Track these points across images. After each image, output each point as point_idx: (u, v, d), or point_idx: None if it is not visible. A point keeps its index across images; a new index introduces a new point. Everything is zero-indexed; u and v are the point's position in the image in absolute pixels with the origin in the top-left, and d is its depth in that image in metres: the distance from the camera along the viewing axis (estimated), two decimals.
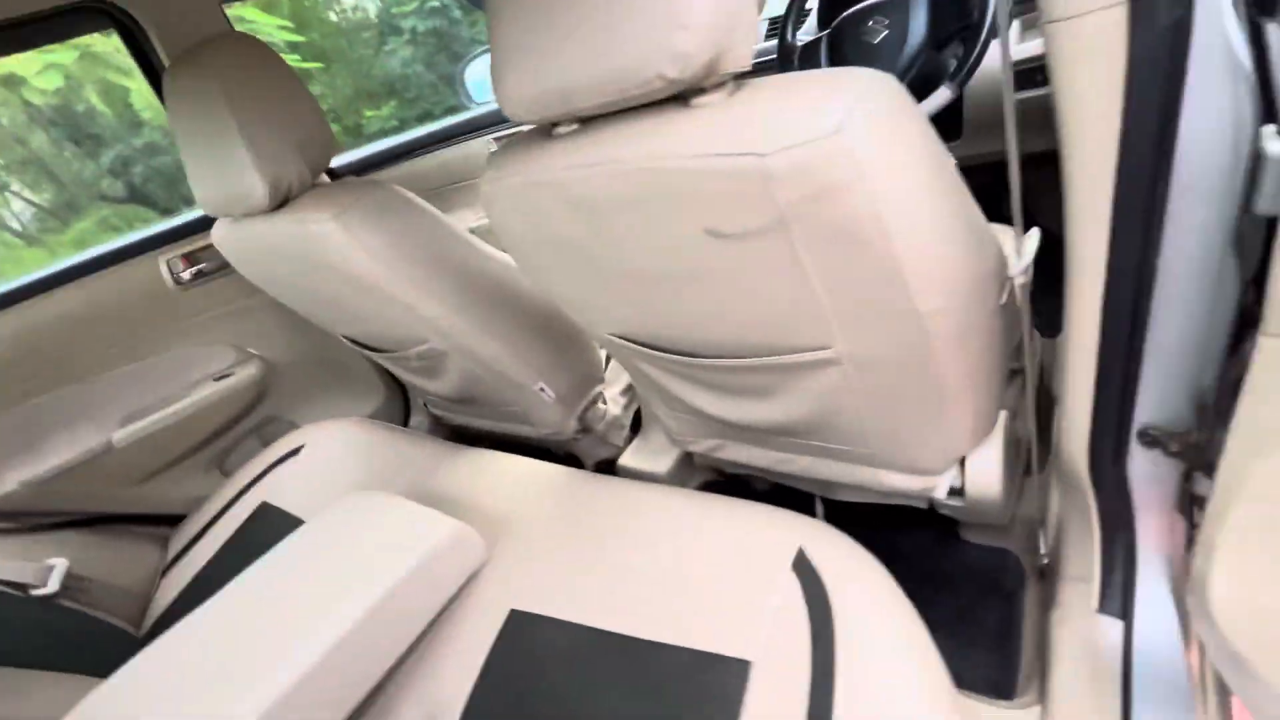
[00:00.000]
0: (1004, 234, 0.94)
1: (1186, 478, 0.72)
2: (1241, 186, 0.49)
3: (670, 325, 0.77)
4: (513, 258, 0.80)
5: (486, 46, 1.92)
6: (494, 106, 1.86)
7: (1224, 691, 0.73)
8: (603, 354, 1.35)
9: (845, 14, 1.25)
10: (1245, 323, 0.59)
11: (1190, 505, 0.74)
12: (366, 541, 0.80)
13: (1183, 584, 0.75)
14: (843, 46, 1.25)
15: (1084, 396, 0.65)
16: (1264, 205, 0.49)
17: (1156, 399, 0.63)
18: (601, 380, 1.30)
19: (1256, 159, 0.48)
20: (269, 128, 0.86)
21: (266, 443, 1.33)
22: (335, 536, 0.83)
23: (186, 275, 1.28)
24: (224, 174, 0.89)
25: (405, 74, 6.63)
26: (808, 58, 1.30)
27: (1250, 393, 0.50)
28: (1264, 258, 0.55)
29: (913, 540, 1.11)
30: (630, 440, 1.37)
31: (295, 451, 1.20)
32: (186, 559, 1.12)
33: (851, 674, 0.56)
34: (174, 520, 1.24)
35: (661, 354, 0.83)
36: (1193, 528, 0.76)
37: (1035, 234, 0.63)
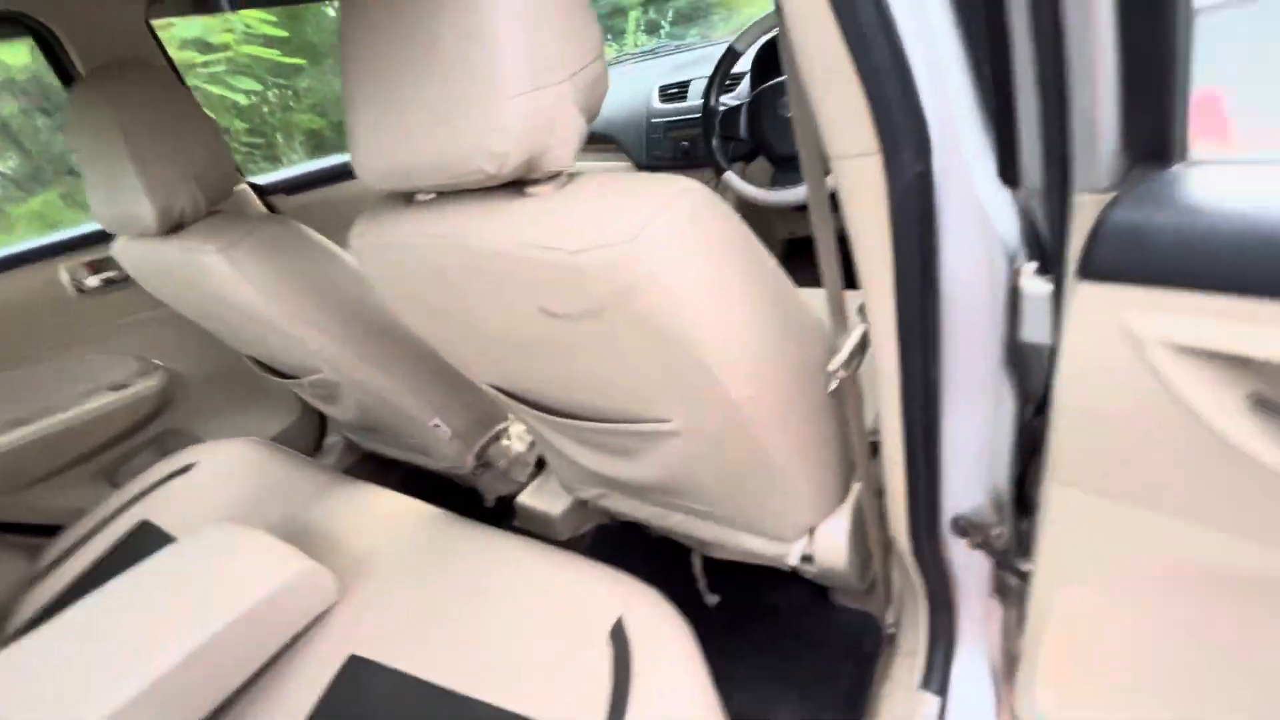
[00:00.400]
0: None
1: (999, 565, 0.76)
2: (1006, 316, 0.54)
3: (530, 383, 0.80)
4: (388, 306, 0.82)
5: None
6: None
7: None
8: None
9: (765, 85, 1.31)
10: (1034, 435, 0.64)
11: (1005, 591, 0.79)
12: (217, 573, 0.80)
13: (997, 666, 0.79)
14: (760, 116, 1.31)
15: (899, 485, 0.69)
16: (1026, 335, 0.54)
17: (961, 493, 0.68)
18: (505, 417, 1.32)
19: (1015, 294, 0.53)
20: (162, 157, 0.87)
21: (165, 455, 1.32)
22: (189, 565, 0.83)
23: (92, 283, 1.27)
24: (116, 196, 0.89)
25: None
26: (729, 123, 1.35)
27: (1046, 533, 0.55)
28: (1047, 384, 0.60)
29: (786, 597, 1.15)
30: (535, 476, 1.38)
31: (186, 469, 1.19)
32: (57, 573, 1.09)
33: None
34: (52, 531, 1.21)
35: (529, 408, 0.86)
36: (1011, 612, 0.80)
37: (858, 332, 0.67)
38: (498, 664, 0.70)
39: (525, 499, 1.28)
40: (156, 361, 1.37)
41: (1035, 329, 0.53)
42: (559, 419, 0.83)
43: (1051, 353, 0.51)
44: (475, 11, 0.49)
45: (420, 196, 0.67)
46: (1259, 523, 0.39)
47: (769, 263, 0.61)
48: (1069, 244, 0.42)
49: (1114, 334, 0.39)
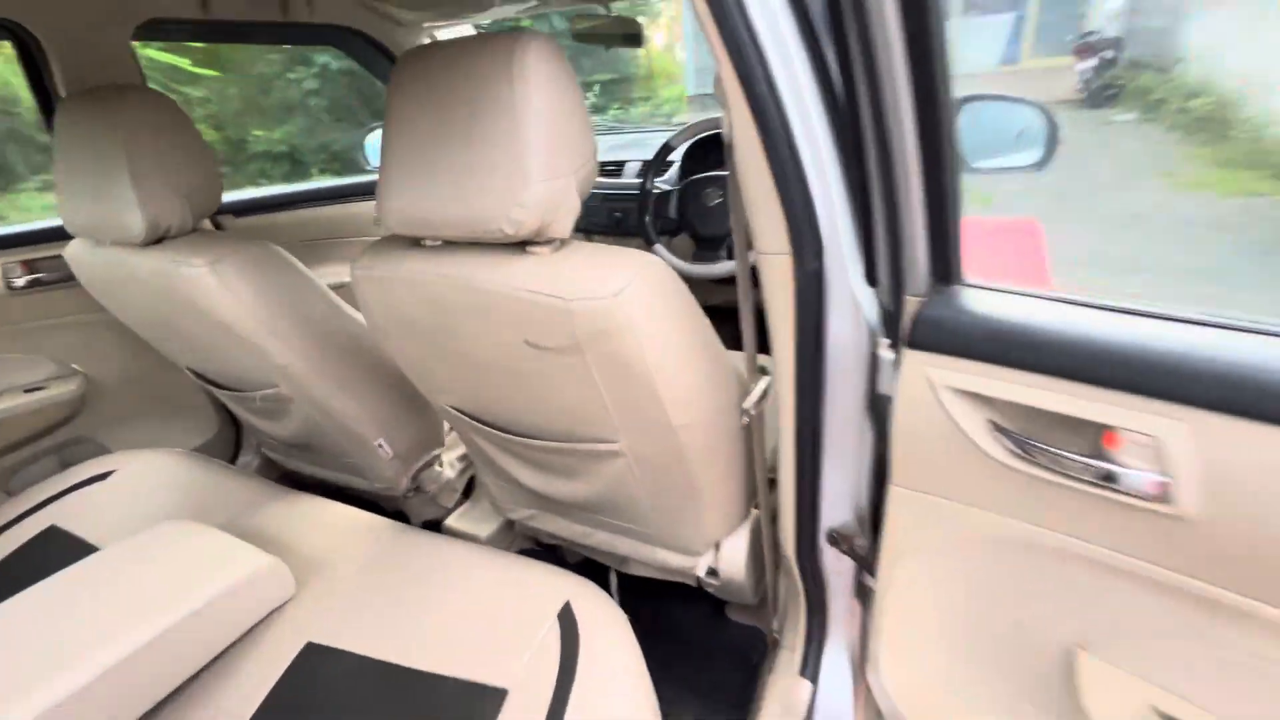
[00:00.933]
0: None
1: (861, 572, 0.98)
2: (868, 375, 0.76)
3: (496, 405, 0.93)
4: (372, 332, 0.93)
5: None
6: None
7: None
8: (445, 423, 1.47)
9: (693, 178, 1.57)
10: (886, 466, 0.86)
11: (863, 594, 1.00)
12: (178, 565, 0.84)
13: (856, 656, 0.99)
14: (688, 203, 1.56)
15: (790, 504, 0.89)
16: (881, 388, 0.77)
17: (836, 510, 0.88)
18: (441, 444, 1.41)
19: (874, 359, 0.75)
20: (160, 174, 0.94)
21: (67, 464, 1.28)
22: (143, 559, 0.86)
23: (20, 282, 1.25)
24: (103, 204, 0.95)
25: (309, 105, 6.55)
26: (661, 204, 1.59)
27: (889, 521, 0.76)
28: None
29: (686, 615, 1.31)
30: (460, 504, 1.47)
31: (102, 476, 1.17)
32: None
33: (581, 706, 0.71)
34: None
35: (487, 428, 0.99)
36: (868, 614, 1.02)
37: (765, 381, 0.88)
38: (453, 642, 0.80)
39: (453, 522, 1.37)
40: (75, 366, 1.34)
41: (887, 383, 0.76)
42: (514, 437, 0.97)
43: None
44: (513, 118, 0.66)
45: (428, 242, 0.81)
46: (1006, 503, 0.63)
47: (706, 322, 0.81)
48: (902, 326, 0.65)
49: (924, 381, 0.62)
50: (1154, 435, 0.51)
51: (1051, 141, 1.33)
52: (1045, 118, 1.32)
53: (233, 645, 0.82)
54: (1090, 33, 8.93)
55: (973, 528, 0.67)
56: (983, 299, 0.63)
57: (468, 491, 1.53)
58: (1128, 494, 0.53)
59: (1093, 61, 8.50)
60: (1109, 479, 0.54)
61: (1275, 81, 5.27)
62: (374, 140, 2.10)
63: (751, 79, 0.60)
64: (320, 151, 6.82)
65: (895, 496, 0.75)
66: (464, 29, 1.79)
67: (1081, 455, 0.56)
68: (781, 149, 0.62)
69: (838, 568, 0.95)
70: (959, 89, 0.57)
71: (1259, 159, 4.50)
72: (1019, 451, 0.59)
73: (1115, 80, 8.15)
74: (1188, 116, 5.92)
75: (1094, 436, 0.56)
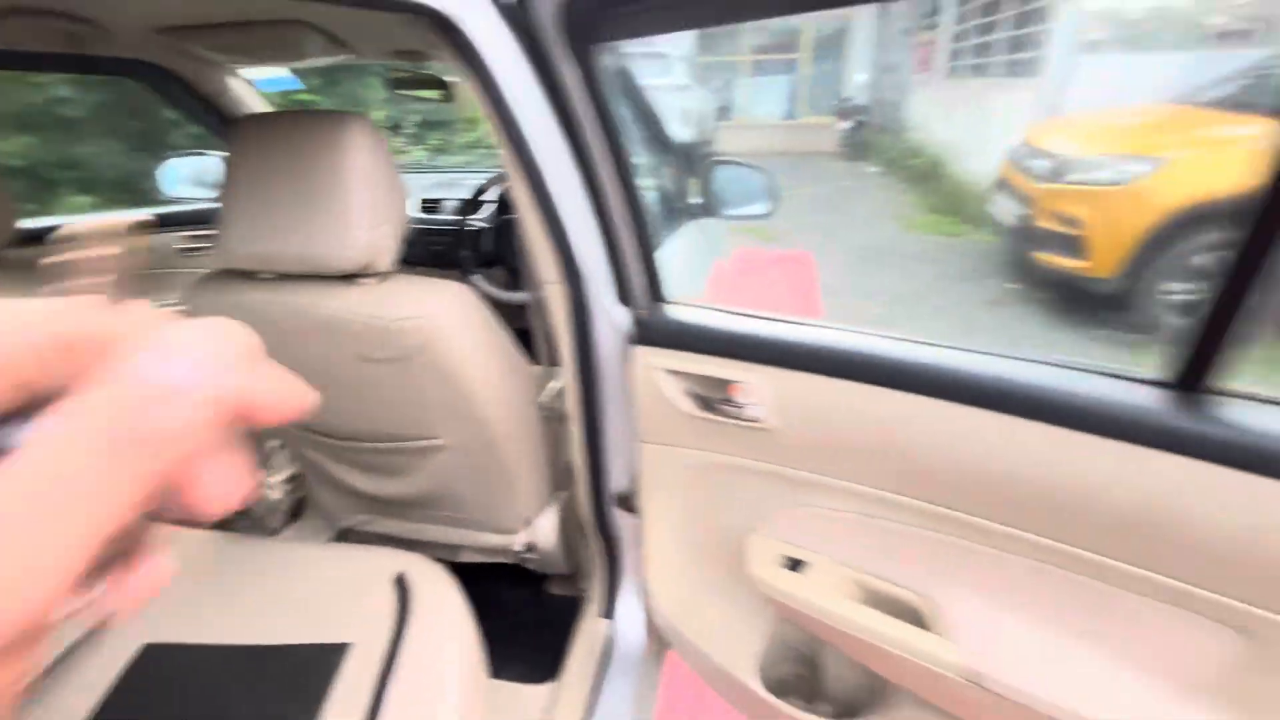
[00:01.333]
0: None
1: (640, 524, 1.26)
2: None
3: (333, 416, 1.08)
4: None
5: (190, 150, 2.08)
6: (185, 207, 1.96)
7: (660, 657, 1.25)
8: (269, 445, 1.52)
9: (506, 217, 1.81)
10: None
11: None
12: None
13: (643, 594, 1.27)
14: (501, 238, 1.79)
15: (584, 479, 1.14)
16: None
17: (617, 477, 1.16)
18: (265, 466, 1.46)
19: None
20: None
21: None
22: None
23: None
24: None
25: (62, 116, 5.69)
26: (476, 240, 1.80)
27: (642, 471, 1.04)
28: None
29: (512, 595, 1.50)
30: (289, 525, 1.52)
31: None
32: None
33: (416, 649, 0.87)
34: None
35: (325, 439, 1.12)
36: None
37: (557, 383, 1.13)
38: (296, 617, 0.91)
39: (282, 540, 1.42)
40: None
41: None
42: (350, 443, 1.11)
43: None
44: (341, 181, 0.85)
45: (264, 275, 0.94)
46: (699, 441, 0.95)
47: (506, 336, 1.04)
48: (633, 331, 0.95)
49: (646, 366, 0.91)
50: (751, 383, 0.85)
51: (775, 198, 1.79)
52: (769, 180, 1.77)
53: (59, 660, 0.85)
54: (847, 98, 10.83)
55: (684, 463, 0.98)
56: (677, 310, 0.96)
57: (297, 512, 1.58)
58: (747, 421, 0.87)
59: (850, 122, 10.31)
60: (739, 414, 0.87)
61: (967, 147, 6.91)
62: (170, 170, 2.04)
63: (526, 161, 0.86)
64: (72, 169, 5.93)
65: (642, 451, 1.04)
66: (281, 71, 1.86)
67: (725, 401, 0.89)
68: (551, 210, 0.89)
69: (623, 522, 1.22)
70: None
71: (955, 206, 5.88)
72: (700, 404, 0.90)
73: (866, 139, 9.99)
74: (911, 171, 7.51)
75: (725, 389, 0.89)
